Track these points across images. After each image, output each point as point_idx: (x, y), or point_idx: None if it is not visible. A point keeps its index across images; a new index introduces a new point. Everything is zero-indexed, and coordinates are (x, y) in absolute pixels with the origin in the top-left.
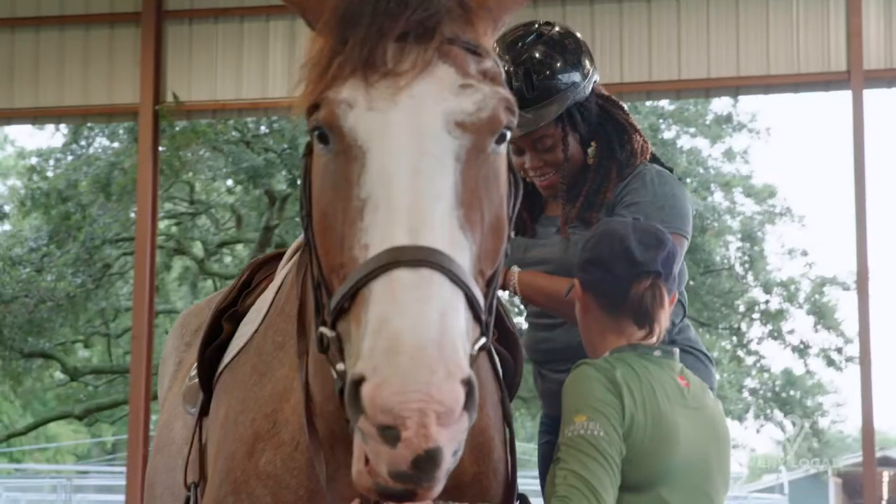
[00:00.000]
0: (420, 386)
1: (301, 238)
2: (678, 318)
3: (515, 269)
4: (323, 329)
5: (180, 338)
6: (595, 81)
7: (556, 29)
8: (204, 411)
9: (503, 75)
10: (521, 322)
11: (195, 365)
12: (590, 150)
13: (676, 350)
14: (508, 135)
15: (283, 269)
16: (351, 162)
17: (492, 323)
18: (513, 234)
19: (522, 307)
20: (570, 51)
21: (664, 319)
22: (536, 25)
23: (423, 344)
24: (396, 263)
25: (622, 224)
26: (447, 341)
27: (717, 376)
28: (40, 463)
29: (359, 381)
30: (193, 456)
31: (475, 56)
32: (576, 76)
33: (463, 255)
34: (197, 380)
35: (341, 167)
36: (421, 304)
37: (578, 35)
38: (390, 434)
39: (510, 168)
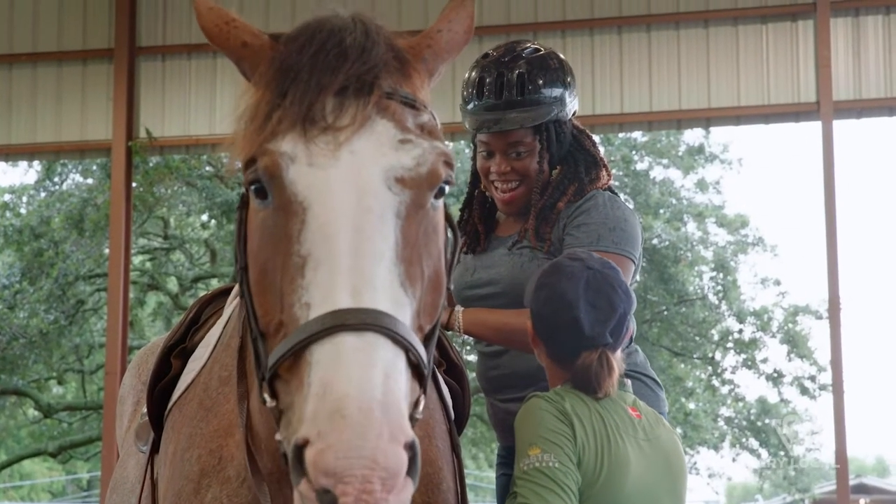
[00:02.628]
0: (366, 451)
1: None
2: (624, 345)
3: (459, 308)
4: (265, 396)
5: (137, 377)
6: (574, 110)
7: (542, 50)
8: (155, 449)
9: (439, 127)
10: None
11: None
12: (554, 173)
13: (628, 382)
14: (447, 189)
15: (231, 305)
16: (291, 217)
17: (429, 378)
18: (451, 287)
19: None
20: (555, 69)
21: (614, 381)
22: (527, 43)
23: (368, 407)
24: (341, 327)
25: (574, 280)
26: (392, 403)
27: (693, 405)
28: (14, 501)
29: (303, 445)
30: (146, 493)
31: (413, 110)
32: (559, 93)
33: (404, 313)
34: (147, 418)
35: (281, 222)
36: (366, 368)
37: (563, 57)
38: (327, 498)
39: (448, 219)
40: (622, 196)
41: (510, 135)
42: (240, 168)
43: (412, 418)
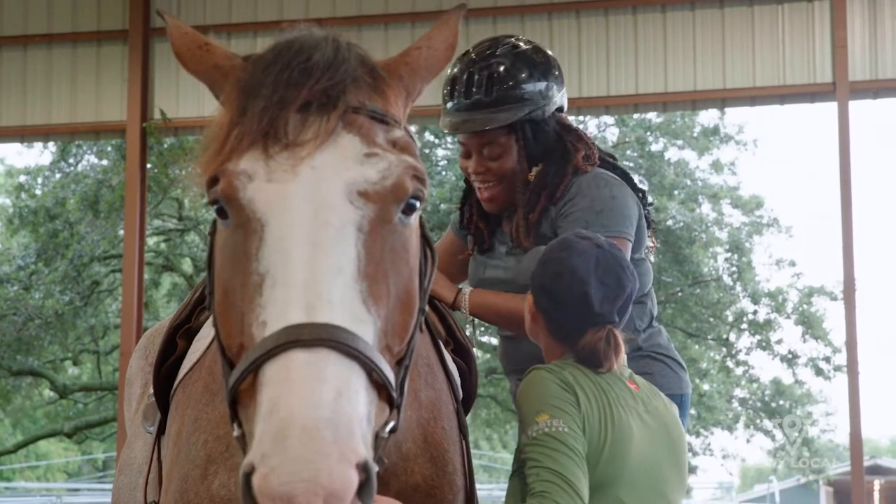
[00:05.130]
0: (309, 473)
1: None
2: (644, 325)
3: (466, 289)
4: (234, 425)
5: (144, 358)
6: (558, 105)
7: (524, 44)
8: (162, 430)
9: (415, 145)
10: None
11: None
12: (534, 170)
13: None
14: (418, 205)
15: None
16: (250, 235)
17: (403, 404)
18: (426, 308)
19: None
20: (533, 65)
21: (621, 359)
22: (507, 39)
23: (315, 426)
24: (293, 343)
25: (584, 256)
26: (342, 422)
27: (707, 386)
28: (30, 481)
29: (250, 472)
30: (153, 475)
31: (383, 125)
32: (531, 90)
33: (366, 331)
34: (154, 398)
35: (240, 241)
36: (315, 384)
37: (549, 53)
38: None
39: (424, 238)
40: (636, 177)
41: (482, 135)
42: (204, 190)
43: (378, 437)
